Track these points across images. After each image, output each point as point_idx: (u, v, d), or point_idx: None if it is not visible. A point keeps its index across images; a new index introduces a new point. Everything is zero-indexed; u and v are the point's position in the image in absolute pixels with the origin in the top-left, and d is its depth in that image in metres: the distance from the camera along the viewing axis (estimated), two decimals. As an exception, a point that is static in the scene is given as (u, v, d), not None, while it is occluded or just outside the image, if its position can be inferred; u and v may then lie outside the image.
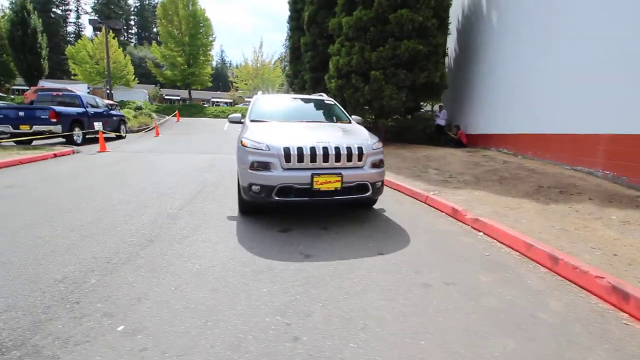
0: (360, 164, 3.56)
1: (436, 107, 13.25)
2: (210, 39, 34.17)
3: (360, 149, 3.54)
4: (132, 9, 72.65)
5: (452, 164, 7.17)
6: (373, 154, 3.66)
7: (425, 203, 4.77)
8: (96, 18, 44.70)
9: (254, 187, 3.44)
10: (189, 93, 37.44)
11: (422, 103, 12.87)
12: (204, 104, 46.36)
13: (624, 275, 2.39)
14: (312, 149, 3.38)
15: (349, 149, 3.47)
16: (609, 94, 4.98)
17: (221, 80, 66.70)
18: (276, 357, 1.67)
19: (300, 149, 3.36)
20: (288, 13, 18.00)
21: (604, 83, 5.14)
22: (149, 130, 16.18)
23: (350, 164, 3.51)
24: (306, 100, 5.30)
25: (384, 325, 1.94)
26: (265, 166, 3.40)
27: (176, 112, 22.22)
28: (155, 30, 32.15)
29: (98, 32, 28.06)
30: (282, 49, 78.28)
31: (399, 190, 5.61)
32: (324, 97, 5.50)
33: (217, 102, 49.95)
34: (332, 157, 3.42)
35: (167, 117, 20.71)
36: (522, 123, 7.92)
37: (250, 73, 40.50)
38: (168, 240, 3.16)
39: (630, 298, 2.02)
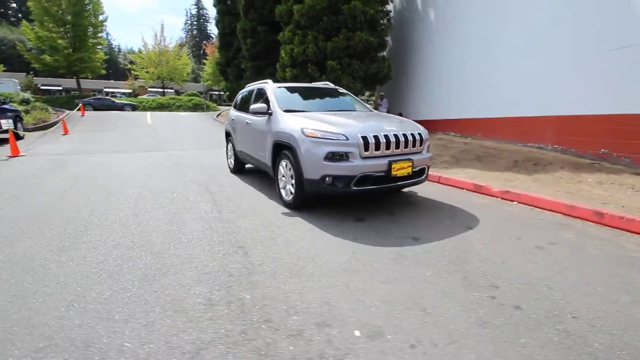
0: (420, 149, 3.79)
1: (378, 97, 14.20)
2: (101, 18, 29.36)
3: (420, 136, 3.76)
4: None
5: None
6: (427, 139, 3.92)
7: (438, 183, 5.28)
8: None
9: (328, 179, 3.37)
10: (77, 82, 31.65)
11: (366, 93, 13.67)
12: (94, 94, 39.75)
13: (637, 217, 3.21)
14: (387, 137, 3.46)
15: (413, 136, 3.66)
16: (554, 83, 6.23)
17: (111, 67, 57.79)
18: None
19: (376, 137, 3.41)
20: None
21: (549, 73, 6.38)
22: (51, 127, 13.32)
23: (414, 150, 3.71)
24: (322, 90, 5.21)
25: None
26: (343, 156, 3.35)
27: (80, 105, 18.63)
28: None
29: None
30: (182, 34, 71.78)
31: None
32: (330, 85, 5.50)
33: (113, 92, 43.32)
34: (402, 144, 3.57)
35: (69, 112, 17.20)
36: (467, 109, 9.19)
37: (152, 60, 36.21)
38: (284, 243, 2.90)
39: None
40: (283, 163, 3.97)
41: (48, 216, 3.62)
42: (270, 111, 4.36)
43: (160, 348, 1.66)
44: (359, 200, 4.18)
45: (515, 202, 4.13)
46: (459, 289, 2.17)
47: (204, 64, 41.49)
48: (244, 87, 6.29)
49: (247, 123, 5.06)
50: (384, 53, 11.58)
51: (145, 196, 4.48)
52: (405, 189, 4.77)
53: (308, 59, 10.64)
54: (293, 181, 3.79)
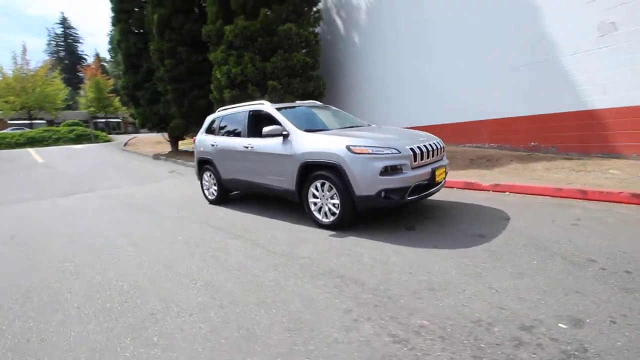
0: (442, 155, 4.14)
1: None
2: None
3: (442, 144, 4.11)
4: None
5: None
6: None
7: (427, 186, 5.78)
8: None
9: (384, 193, 3.42)
10: None
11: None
12: None
13: (619, 190, 4.17)
14: (425, 147, 3.69)
15: (438, 144, 3.98)
16: (488, 93, 7.51)
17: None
18: None
19: (420, 148, 3.60)
20: (110, 13, 14.74)
21: (482, 85, 7.66)
22: None
23: (441, 156, 4.05)
24: (318, 107, 5.18)
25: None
26: (397, 169, 3.44)
27: None
28: None
29: None
30: (46, 56, 60.46)
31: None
32: (318, 103, 5.51)
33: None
34: (435, 153, 3.85)
35: None
36: (408, 119, 10.27)
37: (12, 87, 29.73)
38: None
39: (648, 197, 3.70)
40: (317, 184, 3.84)
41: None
42: (285, 132, 4.16)
43: None
44: (384, 212, 4.28)
45: (508, 193, 4.84)
46: (574, 268, 2.48)
47: (81, 88, 36.04)
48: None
49: (246, 147, 4.69)
50: (318, 72, 12.09)
51: (160, 253, 3.73)
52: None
53: (247, 79, 10.37)
54: (334, 201, 3.70)
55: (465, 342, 1.79)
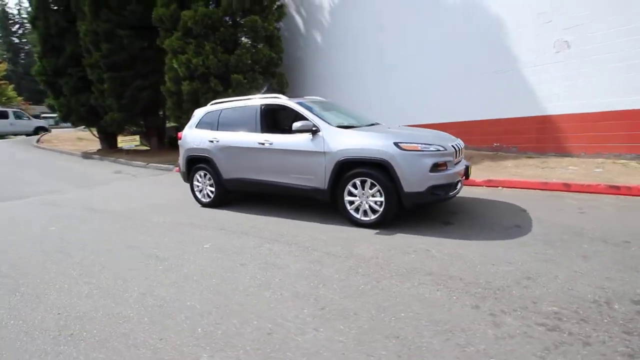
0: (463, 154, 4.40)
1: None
2: None
3: (462, 143, 4.35)
4: None
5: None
6: (460, 145, 4.57)
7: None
8: None
9: (433, 189, 3.50)
10: None
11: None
12: None
13: (596, 182, 4.93)
14: (458, 146, 3.88)
15: (460, 144, 4.20)
16: (457, 98, 8.19)
17: None
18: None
19: (454, 147, 3.77)
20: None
21: (452, 91, 8.32)
22: None
23: (462, 156, 4.29)
24: (329, 103, 5.02)
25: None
26: (443, 166, 3.55)
27: None
28: None
29: None
30: None
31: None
32: (323, 99, 5.35)
33: None
34: (462, 152, 4.07)
35: None
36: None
37: None
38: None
39: (620, 187, 4.46)
40: (355, 182, 3.74)
41: None
42: (314, 128, 3.96)
43: None
44: (414, 209, 4.38)
45: (501, 187, 5.36)
46: (620, 249, 2.84)
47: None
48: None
49: (262, 144, 4.34)
50: (280, 69, 11.76)
51: (201, 268, 3.20)
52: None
53: (210, 71, 9.57)
54: (375, 199, 3.66)
55: (605, 320, 1.93)
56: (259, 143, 4.38)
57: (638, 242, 2.99)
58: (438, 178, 3.50)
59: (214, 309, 2.25)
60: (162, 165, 10.17)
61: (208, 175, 5.03)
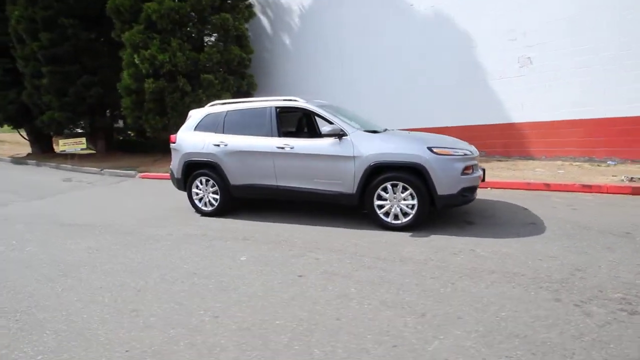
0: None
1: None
2: None
3: (470, 147, 4.65)
4: None
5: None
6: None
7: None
8: None
9: (464, 192, 3.69)
10: None
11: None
12: None
13: (571, 182, 5.61)
14: (475, 152, 4.13)
15: (471, 148, 4.50)
16: (430, 107, 8.71)
17: None
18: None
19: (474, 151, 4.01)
20: None
21: (427, 99, 8.81)
22: None
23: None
24: (337, 107, 4.97)
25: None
26: (470, 169, 3.75)
27: None
28: None
29: None
30: None
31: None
32: (332, 104, 5.28)
33: None
34: (477, 155, 4.35)
35: None
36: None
37: None
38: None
39: (592, 186, 5.16)
40: (387, 186, 3.77)
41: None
42: (342, 132, 3.91)
43: None
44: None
45: (489, 188, 5.83)
46: (629, 239, 3.27)
47: None
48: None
49: (282, 148, 4.15)
50: (249, 70, 11.35)
51: (255, 285, 2.90)
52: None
53: (177, 69, 8.85)
54: (407, 202, 3.74)
55: None
56: (278, 147, 4.18)
57: (638, 233, 3.49)
58: (467, 181, 3.69)
59: (312, 326, 2.08)
60: (119, 171, 9.14)
61: (211, 182, 4.65)
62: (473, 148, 3.93)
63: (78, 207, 5.66)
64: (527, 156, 7.53)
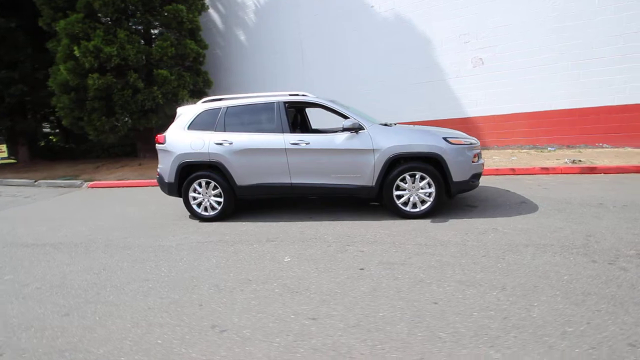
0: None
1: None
2: None
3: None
4: None
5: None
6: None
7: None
8: None
9: (473, 178, 4.01)
10: None
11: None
12: None
13: (531, 167, 6.40)
14: (474, 140, 4.51)
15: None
16: (392, 101, 9.17)
17: None
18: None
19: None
20: None
21: (390, 95, 9.24)
22: None
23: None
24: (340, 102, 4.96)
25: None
26: (477, 157, 4.09)
27: None
28: None
29: None
30: None
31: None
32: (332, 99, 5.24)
33: None
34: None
35: None
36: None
37: None
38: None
39: (549, 168, 6.00)
40: (405, 177, 3.92)
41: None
42: (359, 127, 3.96)
43: None
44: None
45: (465, 176, 6.39)
46: (621, 210, 3.90)
47: None
48: None
49: (296, 144, 4.02)
50: (204, 67, 10.63)
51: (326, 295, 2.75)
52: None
53: (127, 64, 7.90)
54: (425, 191, 3.94)
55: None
56: (292, 143, 4.04)
57: (608, 204, 4.18)
58: (478, 167, 4.04)
59: (416, 312, 2.09)
60: (56, 181, 7.85)
61: (213, 184, 4.30)
62: (475, 139, 4.30)
63: (31, 225, 4.75)
64: (482, 146, 8.40)
